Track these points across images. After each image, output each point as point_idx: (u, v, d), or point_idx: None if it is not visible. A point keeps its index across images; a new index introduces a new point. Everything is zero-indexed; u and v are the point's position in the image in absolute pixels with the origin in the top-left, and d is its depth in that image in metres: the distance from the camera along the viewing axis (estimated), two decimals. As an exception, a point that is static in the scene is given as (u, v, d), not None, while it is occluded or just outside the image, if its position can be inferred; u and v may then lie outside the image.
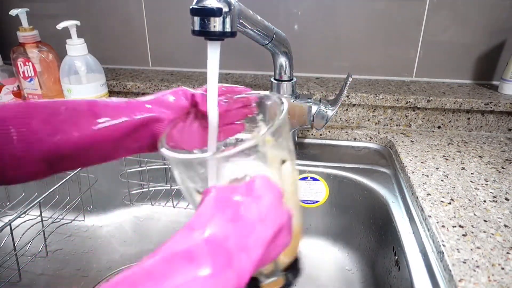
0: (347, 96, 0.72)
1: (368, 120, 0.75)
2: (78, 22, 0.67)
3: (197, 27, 0.43)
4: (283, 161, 0.34)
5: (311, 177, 0.66)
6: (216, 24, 0.43)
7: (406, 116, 0.74)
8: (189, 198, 0.34)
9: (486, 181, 0.54)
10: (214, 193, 0.29)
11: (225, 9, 0.42)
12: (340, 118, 0.76)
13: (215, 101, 0.42)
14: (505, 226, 0.45)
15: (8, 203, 0.74)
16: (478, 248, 0.41)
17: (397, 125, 0.75)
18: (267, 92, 0.41)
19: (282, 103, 0.35)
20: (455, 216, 0.46)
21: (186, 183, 0.33)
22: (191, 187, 0.32)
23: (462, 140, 0.69)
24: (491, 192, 0.52)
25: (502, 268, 0.38)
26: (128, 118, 0.35)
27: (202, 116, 0.40)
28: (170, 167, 0.33)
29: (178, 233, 0.26)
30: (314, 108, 0.64)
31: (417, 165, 0.59)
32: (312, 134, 0.75)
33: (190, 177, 0.32)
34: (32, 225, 0.66)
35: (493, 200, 0.50)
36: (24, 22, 0.69)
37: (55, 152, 0.33)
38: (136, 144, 0.37)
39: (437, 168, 0.58)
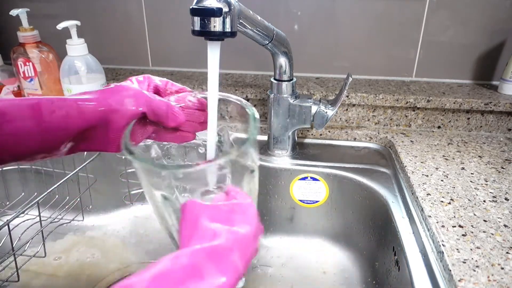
0: (347, 96, 0.72)
1: (368, 120, 0.75)
2: (78, 22, 0.67)
3: (197, 27, 0.43)
4: (252, 171, 0.35)
5: (311, 177, 0.66)
6: (216, 24, 0.43)
7: (406, 116, 0.74)
8: (153, 202, 0.33)
9: (486, 181, 0.54)
10: (206, 211, 0.29)
11: (225, 9, 0.42)
12: (340, 118, 0.76)
13: (216, 102, 0.42)
14: (505, 226, 0.45)
15: (7, 203, 0.75)
16: (478, 248, 0.41)
17: (397, 125, 0.75)
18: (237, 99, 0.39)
19: (254, 114, 0.35)
20: (455, 216, 0.46)
21: (153, 189, 0.32)
22: (157, 193, 0.32)
23: (462, 140, 0.69)
24: (491, 192, 0.52)
25: (502, 268, 0.38)
26: (76, 125, 0.33)
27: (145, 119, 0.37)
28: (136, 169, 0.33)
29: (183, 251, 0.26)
30: (314, 108, 0.64)
31: (417, 165, 0.59)
32: (312, 134, 0.75)
33: (159, 184, 0.31)
34: (31, 225, 0.66)
35: (493, 200, 0.50)
36: (24, 22, 0.69)
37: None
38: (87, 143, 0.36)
39: (437, 168, 0.58)
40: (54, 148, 0.34)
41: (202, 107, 0.41)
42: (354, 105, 0.74)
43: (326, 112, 0.63)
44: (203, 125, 0.41)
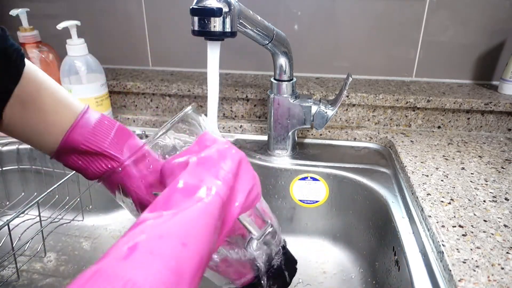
0: (347, 96, 0.72)
1: (368, 120, 0.75)
2: (78, 22, 0.66)
3: (197, 27, 0.43)
4: None
5: (311, 177, 0.66)
6: (216, 24, 0.43)
7: (406, 116, 0.74)
8: None
9: (486, 181, 0.54)
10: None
11: (225, 9, 0.42)
12: (340, 118, 0.76)
13: (216, 102, 0.42)
14: (505, 226, 0.45)
15: (7, 203, 0.75)
16: (478, 248, 0.41)
17: (397, 125, 0.75)
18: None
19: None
20: (455, 216, 0.46)
21: None
22: None
23: (462, 140, 0.69)
24: (491, 192, 0.52)
25: (502, 268, 0.38)
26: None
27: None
28: None
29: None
30: (314, 108, 0.64)
31: (417, 165, 0.59)
32: (312, 134, 0.75)
33: None
34: (31, 225, 0.66)
35: (493, 200, 0.50)
36: (25, 22, 0.69)
37: None
38: None
39: (437, 168, 0.58)
40: None
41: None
42: (354, 105, 0.74)
43: (326, 112, 0.63)
44: None
